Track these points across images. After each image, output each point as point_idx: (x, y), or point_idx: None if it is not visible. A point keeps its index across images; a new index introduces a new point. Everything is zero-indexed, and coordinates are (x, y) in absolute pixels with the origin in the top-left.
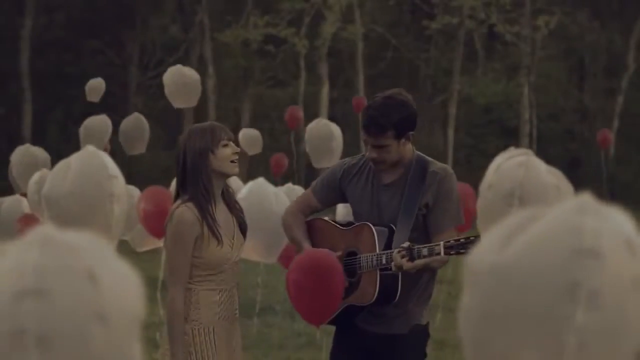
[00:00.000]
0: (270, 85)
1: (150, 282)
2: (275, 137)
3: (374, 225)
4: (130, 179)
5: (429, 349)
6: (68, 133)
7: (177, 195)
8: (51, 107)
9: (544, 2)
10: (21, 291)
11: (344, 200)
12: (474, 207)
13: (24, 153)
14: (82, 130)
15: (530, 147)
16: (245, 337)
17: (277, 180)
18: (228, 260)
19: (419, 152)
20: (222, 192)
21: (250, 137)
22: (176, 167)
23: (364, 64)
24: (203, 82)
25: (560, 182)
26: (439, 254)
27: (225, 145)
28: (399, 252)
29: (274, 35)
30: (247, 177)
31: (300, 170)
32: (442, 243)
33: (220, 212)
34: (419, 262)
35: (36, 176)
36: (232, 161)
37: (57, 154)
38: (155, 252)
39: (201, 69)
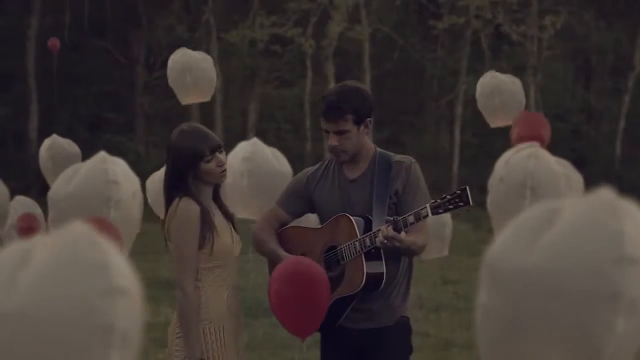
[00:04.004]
0: (277, 85)
1: (156, 283)
2: (281, 137)
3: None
4: None
5: (434, 349)
6: (75, 133)
7: (169, 198)
8: (57, 108)
9: (551, 2)
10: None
11: (312, 209)
12: (546, 134)
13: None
14: None
15: None
16: (252, 337)
17: None
18: (231, 253)
19: (379, 148)
20: (215, 198)
21: None
22: (166, 165)
23: (370, 64)
24: None
25: (570, 172)
26: (426, 216)
27: (209, 161)
28: (386, 227)
29: (281, 35)
30: None
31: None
32: (427, 205)
33: (215, 214)
34: (405, 236)
35: (47, 142)
36: (220, 172)
37: None
38: (160, 253)
39: None
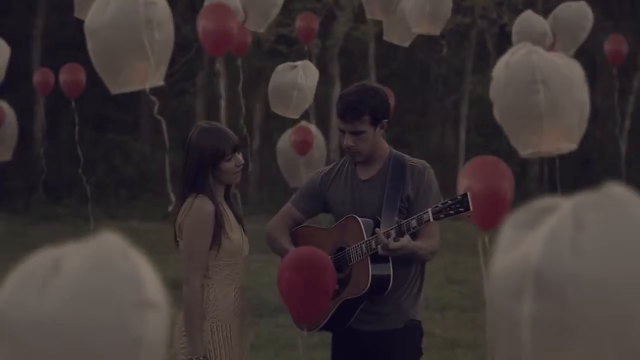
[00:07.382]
0: None
1: (164, 282)
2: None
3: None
4: None
5: (439, 349)
6: (80, 133)
7: (183, 195)
8: (63, 107)
9: (556, 2)
10: None
11: (325, 209)
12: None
13: None
14: None
15: None
16: (257, 337)
17: None
18: (242, 251)
19: (394, 150)
20: (226, 198)
21: None
22: (184, 163)
23: (375, 64)
24: (215, 82)
25: (569, 61)
26: (428, 220)
27: (229, 160)
28: (387, 230)
29: (286, 35)
30: None
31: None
32: (429, 210)
33: (227, 212)
34: (406, 242)
35: None
36: (235, 172)
37: (69, 154)
38: (166, 253)
39: (213, 69)
